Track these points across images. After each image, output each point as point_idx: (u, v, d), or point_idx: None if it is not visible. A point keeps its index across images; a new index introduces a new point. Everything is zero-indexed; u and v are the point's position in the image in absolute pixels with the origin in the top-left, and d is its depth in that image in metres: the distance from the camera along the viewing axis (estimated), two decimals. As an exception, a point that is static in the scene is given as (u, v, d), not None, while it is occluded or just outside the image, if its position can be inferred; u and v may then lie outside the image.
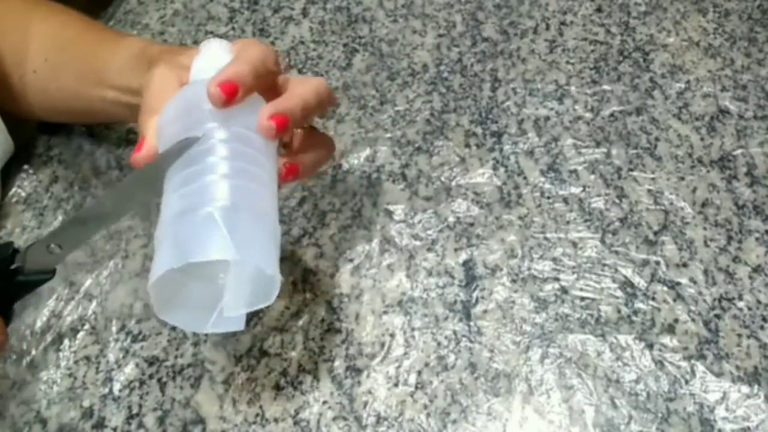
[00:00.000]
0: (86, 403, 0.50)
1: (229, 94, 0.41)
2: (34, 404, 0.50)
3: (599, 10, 0.73)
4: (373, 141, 0.63)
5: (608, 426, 0.48)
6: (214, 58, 0.45)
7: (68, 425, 0.49)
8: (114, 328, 0.53)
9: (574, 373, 0.50)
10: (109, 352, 0.52)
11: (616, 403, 0.49)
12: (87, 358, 0.52)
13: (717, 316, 0.53)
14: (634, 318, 0.53)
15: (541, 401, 0.49)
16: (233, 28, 0.72)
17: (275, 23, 0.72)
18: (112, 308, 0.54)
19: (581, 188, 0.60)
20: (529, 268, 0.55)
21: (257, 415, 0.49)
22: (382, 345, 0.52)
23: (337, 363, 0.51)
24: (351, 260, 0.56)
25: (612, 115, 0.65)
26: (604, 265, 0.56)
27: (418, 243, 0.57)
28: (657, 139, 0.63)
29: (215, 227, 0.38)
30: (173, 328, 0.53)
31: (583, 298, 0.54)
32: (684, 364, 0.51)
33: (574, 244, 0.57)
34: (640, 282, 0.55)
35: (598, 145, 0.63)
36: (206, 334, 0.53)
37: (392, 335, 0.52)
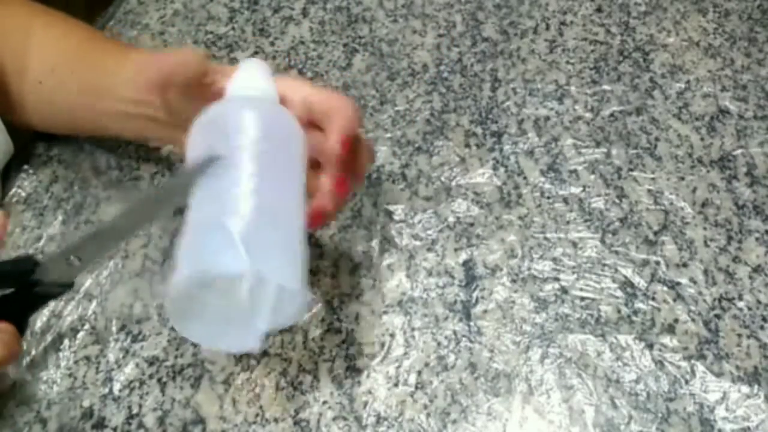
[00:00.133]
0: (86, 403, 0.50)
1: (346, 148, 0.45)
2: (34, 404, 0.50)
3: (599, 10, 0.73)
4: (373, 141, 0.63)
5: (608, 426, 0.48)
6: (252, 79, 0.45)
7: (68, 425, 0.49)
8: (114, 328, 0.53)
9: (574, 373, 0.50)
10: (109, 352, 0.52)
11: (616, 403, 0.49)
12: (87, 358, 0.52)
13: (717, 316, 0.53)
14: (634, 318, 0.53)
15: (541, 401, 0.49)
16: (233, 28, 0.72)
17: (275, 23, 0.72)
18: (112, 308, 0.54)
19: (581, 188, 0.60)
20: (529, 268, 0.55)
21: (257, 415, 0.49)
22: (382, 345, 0.52)
23: (337, 363, 0.51)
24: (351, 260, 0.56)
25: (612, 115, 0.65)
26: (604, 265, 0.56)
27: (418, 243, 0.57)
28: (657, 139, 0.63)
29: (229, 239, 0.38)
30: (173, 328, 0.53)
31: (583, 298, 0.54)
32: (684, 364, 0.51)
33: (574, 244, 0.57)
34: (640, 282, 0.55)
35: (598, 145, 0.63)
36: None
37: (392, 335, 0.52)
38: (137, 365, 0.52)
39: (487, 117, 0.65)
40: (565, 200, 0.59)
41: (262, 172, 0.41)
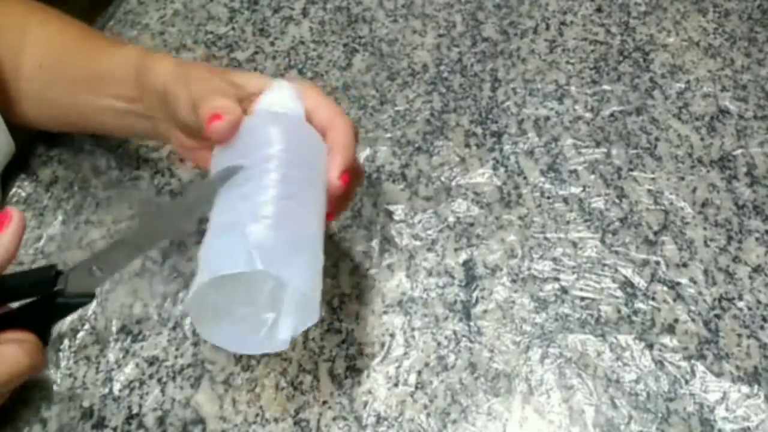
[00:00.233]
0: (86, 403, 0.50)
1: (346, 184, 0.45)
2: (34, 404, 0.50)
3: (599, 10, 0.73)
4: (373, 141, 0.63)
5: (608, 426, 0.48)
6: (281, 98, 0.46)
7: (68, 425, 0.49)
8: (114, 328, 0.53)
9: (574, 373, 0.50)
10: (109, 352, 0.52)
11: (616, 403, 0.49)
12: (87, 358, 0.52)
13: (717, 316, 0.53)
14: (634, 318, 0.53)
15: (541, 401, 0.49)
16: (233, 28, 0.72)
17: (275, 23, 0.72)
18: (112, 308, 0.54)
19: (581, 188, 0.60)
20: (529, 268, 0.55)
21: (257, 415, 0.49)
22: (382, 345, 0.52)
23: (337, 363, 0.51)
24: (351, 260, 0.56)
25: (612, 115, 0.65)
26: (604, 265, 0.56)
27: (418, 243, 0.57)
28: (657, 139, 0.63)
29: (243, 241, 0.39)
30: (173, 328, 0.53)
31: (583, 298, 0.54)
32: (684, 364, 0.51)
33: (574, 244, 0.57)
34: (640, 282, 0.55)
35: (598, 145, 0.63)
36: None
37: (392, 335, 0.52)
38: (137, 365, 0.52)
39: (487, 117, 0.65)
40: (565, 200, 0.59)
41: (284, 182, 0.41)
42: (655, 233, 0.57)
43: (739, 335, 0.52)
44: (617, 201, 0.59)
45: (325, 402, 0.50)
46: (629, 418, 0.49)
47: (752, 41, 0.70)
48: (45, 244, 0.57)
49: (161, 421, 0.49)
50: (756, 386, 0.50)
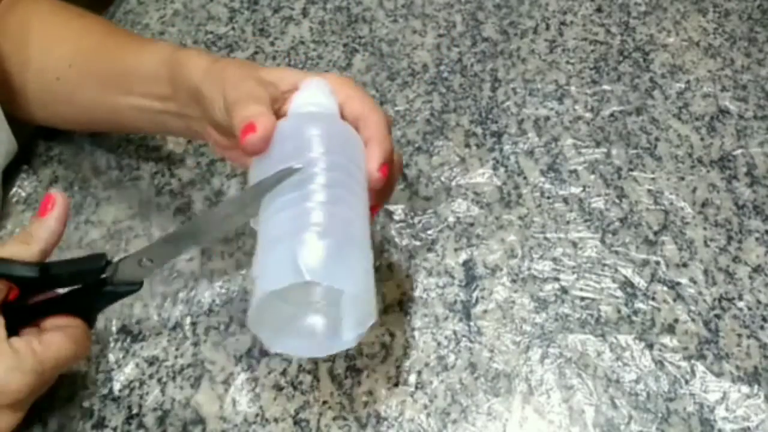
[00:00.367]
0: (86, 403, 0.50)
1: (386, 176, 0.44)
2: (35, 404, 0.50)
3: (599, 10, 0.73)
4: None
5: (608, 426, 0.48)
6: (315, 96, 0.45)
7: (68, 425, 0.49)
8: (114, 328, 0.53)
9: (574, 373, 0.50)
10: (109, 352, 0.52)
11: (616, 403, 0.49)
12: (87, 358, 0.52)
13: (717, 316, 0.53)
14: (634, 318, 0.53)
15: (541, 401, 0.49)
16: (233, 28, 0.72)
17: (275, 23, 0.72)
18: (112, 308, 0.54)
19: (581, 188, 0.60)
20: (529, 268, 0.55)
21: (257, 415, 0.49)
22: (382, 345, 0.52)
23: (337, 363, 0.51)
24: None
25: (612, 115, 0.65)
26: (604, 265, 0.56)
27: (418, 243, 0.57)
28: (657, 139, 0.63)
29: (328, 252, 0.39)
30: (173, 328, 0.53)
31: (583, 298, 0.54)
32: (684, 364, 0.51)
33: (574, 244, 0.57)
34: (640, 282, 0.55)
35: (598, 145, 0.63)
36: (206, 335, 0.53)
37: (392, 335, 0.52)
38: (137, 365, 0.52)
39: (487, 117, 0.65)
40: (565, 200, 0.59)
41: (330, 186, 0.41)
42: (655, 233, 0.57)
43: (739, 335, 0.52)
44: (617, 201, 0.59)
45: (325, 402, 0.50)
46: (629, 418, 0.49)
47: (752, 41, 0.70)
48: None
49: (161, 421, 0.49)
50: (756, 386, 0.50)
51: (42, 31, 0.57)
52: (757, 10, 0.72)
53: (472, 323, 0.53)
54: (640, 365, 0.51)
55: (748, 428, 0.48)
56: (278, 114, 0.46)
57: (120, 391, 0.51)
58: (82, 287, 0.45)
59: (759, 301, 0.54)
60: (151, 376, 0.51)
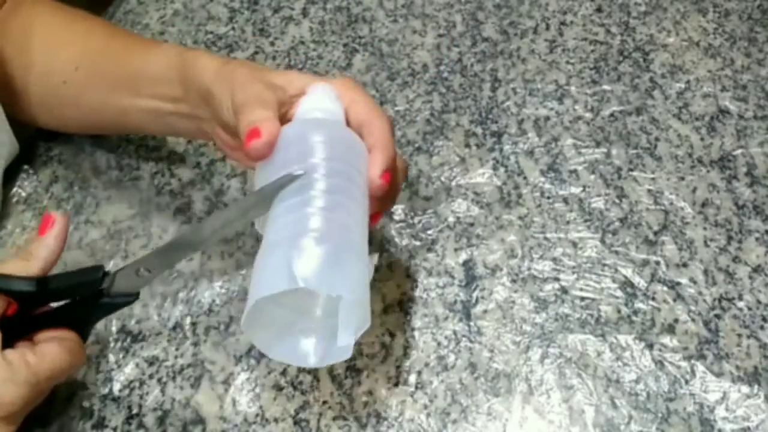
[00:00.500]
0: (86, 403, 0.50)
1: (389, 182, 0.44)
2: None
3: (599, 10, 0.73)
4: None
5: (608, 426, 0.48)
6: (321, 102, 0.46)
7: (68, 425, 0.49)
8: (114, 328, 0.53)
9: (574, 373, 0.50)
10: (109, 352, 0.52)
11: (616, 403, 0.49)
12: (87, 358, 0.52)
13: (717, 316, 0.53)
14: (634, 318, 0.53)
15: (541, 401, 0.49)
16: (233, 28, 0.72)
17: (275, 23, 0.72)
18: (112, 308, 0.54)
19: (581, 188, 0.60)
20: (529, 268, 0.55)
21: (257, 415, 0.49)
22: (382, 345, 0.52)
23: (337, 363, 0.51)
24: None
25: (612, 115, 0.65)
26: (604, 265, 0.56)
27: (418, 243, 0.57)
28: (657, 139, 0.63)
29: (324, 259, 0.39)
30: (173, 328, 0.53)
31: (583, 298, 0.54)
32: (684, 364, 0.51)
33: (574, 244, 0.57)
34: (640, 282, 0.55)
35: (598, 145, 0.63)
36: (206, 335, 0.53)
37: (392, 335, 0.52)
38: (137, 365, 0.52)
39: (487, 117, 0.65)
40: (565, 200, 0.59)
41: (329, 192, 0.41)
42: (655, 233, 0.57)
43: (739, 335, 0.52)
44: (617, 201, 0.59)
45: (325, 402, 0.50)
46: (629, 418, 0.49)
47: (752, 41, 0.70)
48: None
49: (161, 421, 0.49)
50: (756, 386, 0.50)
51: (45, 34, 0.57)
52: (757, 10, 0.72)
53: (472, 323, 0.53)
54: (640, 365, 0.51)
55: (748, 428, 0.48)
56: (285, 118, 0.46)
57: (120, 391, 0.51)
58: (79, 299, 0.45)
59: (759, 301, 0.54)
60: (151, 376, 0.51)
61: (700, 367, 0.51)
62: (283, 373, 0.51)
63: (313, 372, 0.51)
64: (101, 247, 0.57)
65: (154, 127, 0.55)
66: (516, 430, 0.48)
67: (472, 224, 0.58)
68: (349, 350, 0.41)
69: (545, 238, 0.57)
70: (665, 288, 0.54)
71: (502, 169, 0.61)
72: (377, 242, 0.57)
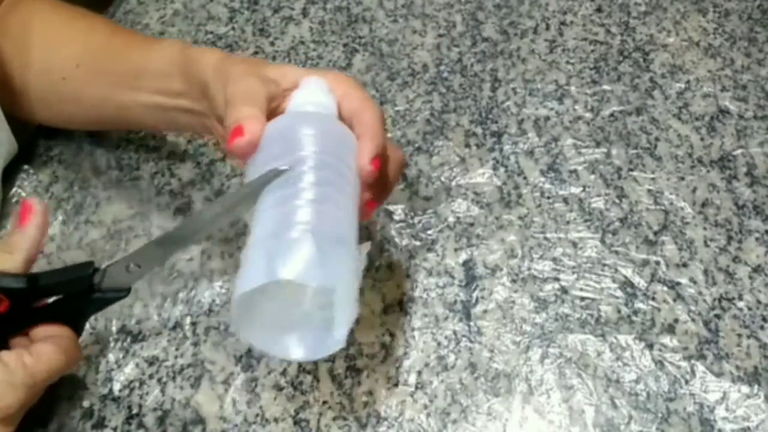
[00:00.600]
0: (86, 403, 0.50)
1: (378, 169, 0.43)
2: (35, 404, 0.50)
3: (599, 10, 0.73)
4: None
5: (608, 426, 0.48)
6: (313, 95, 0.46)
7: (68, 425, 0.49)
8: (114, 328, 0.53)
9: (574, 373, 0.50)
10: (109, 352, 0.52)
11: (616, 403, 0.49)
12: (87, 358, 0.52)
13: (717, 316, 0.53)
14: (634, 318, 0.53)
15: (541, 401, 0.49)
16: (233, 28, 0.72)
17: (275, 23, 0.72)
18: (112, 308, 0.54)
19: (581, 188, 0.60)
20: (529, 268, 0.55)
21: (257, 415, 0.49)
22: (382, 345, 0.52)
23: (337, 363, 0.51)
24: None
25: (612, 115, 0.65)
26: (604, 265, 0.56)
27: (418, 243, 0.57)
28: (657, 139, 0.63)
29: (309, 251, 0.38)
30: (173, 328, 0.53)
31: (583, 298, 0.54)
32: (684, 364, 0.51)
33: (574, 244, 0.57)
34: (640, 282, 0.55)
35: (598, 145, 0.63)
36: (206, 335, 0.53)
37: (392, 335, 0.52)
38: (137, 365, 0.52)
39: (487, 117, 0.65)
40: (565, 200, 0.59)
41: (318, 184, 0.41)
42: (655, 233, 0.57)
43: (739, 335, 0.52)
44: (617, 201, 0.59)
45: (325, 402, 0.50)
46: (629, 418, 0.49)
47: (752, 41, 0.70)
48: (45, 244, 0.57)
49: (161, 421, 0.49)
50: (756, 386, 0.50)
51: (45, 31, 0.57)
52: (757, 10, 0.72)
53: (472, 323, 0.53)
54: (640, 365, 0.51)
55: (748, 428, 0.48)
56: (278, 111, 0.46)
57: (120, 391, 0.51)
58: (70, 295, 0.45)
59: (759, 301, 0.54)
60: (151, 376, 0.51)
61: (700, 367, 0.51)
62: (283, 373, 0.51)
63: (313, 372, 0.51)
64: (101, 247, 0.57)
65: (156, 121, 0.55)
66: (516, 430, 0.48)
67: (472, 224, 0.58)
68: (341, 342, 0.40)
69: (545, 238, 0.57)
70: (665, 288, 0.54)
71: (502, 169, 0.61)
72: (377, 242, 0.57)
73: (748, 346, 0.52)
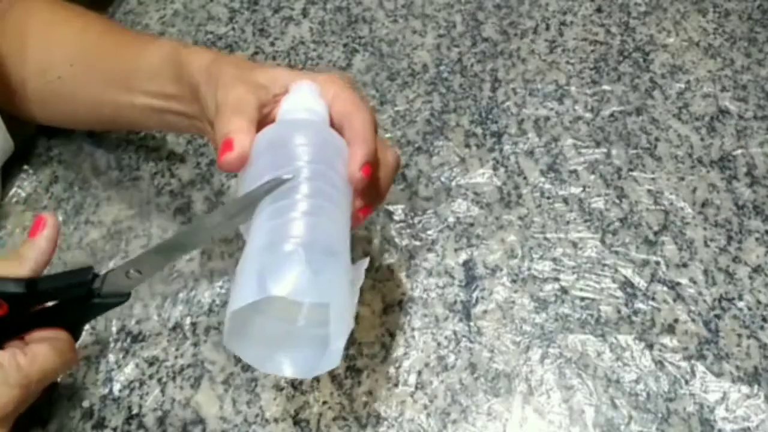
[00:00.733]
0: (86, 403, 0.50)
1: (369, 176, 0.43)
2: (35, 405, 0.50)
3: (599, 10, 0.73)
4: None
5: (608, 426, 0.48)
6: (303, 101, 0.45)
7: (68, 425, 0.49)
8: (114, 328, 0.53)
9: (574, 373, 0.50)
10: (109, 352, 0.52)
11: (616, 403, 0.49)
12: (87, 358, 0.52)
13: (717, 316, 0.53)
14: (634, 318, 0.53)
15: (541, 401, 0.49)
16: (233, 29, 0.72)
17: (275, 23, 0.72)
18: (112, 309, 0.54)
19: (581, 188, 0.60)
20: (529, 268, 0.55)
21: (257, 415, 0.49)
22: (382, 345, 0.52)
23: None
24: (351, 260, 0.56)
25: (612, 115, 0.65)
26: (604, 265, 0.56)
27: (418, 243, 0.57)
28: (657, 139, 0.63)
29: (301, 266, 0.38)
30: (173, 328, 0.53)
31: (583, 298, 0.54)
32: (684, 364, 0.51)
33: (574, 244, 0.57)
34: (640, 282, 0.55)
35: (598, 145, 0.63)
36: (206, 335, 0.53)
37: (392, 335, 0.52)
38: (137, 365, 0.52)
39: (487, 117, 0.65)
40: (565, 200, 0.59)
41: (312, 196, 0.41)
42: (655, 233, 0.57)
43: (739, 335, 0.52)
44: (617, 201, 0.59)
45: (325, 402, 0.50)
46: (629, 418, 0.49)
47: (752, 41, 0.70)
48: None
49: (161, 421, 0.49)
50: (756, 386, 0.50)
51: (42, 30, 0.57)
52: (757, 10, 0.72)
53: (472, 323, 0.53)
54: (640, 365, 0.51)
55: (748, 428, 0.48)
56: (269, 118, 0.45)
57: (120, 391, 0.51)
58: (70, 300, 0.45)
59: (759, 301, 0.54)
60: (151, 377, 0.51)
61: (700, 367, 0.51)
62: (283, 373, 0.51)
63: (313, 372, 0.51)
64: (101, 247, 0.57)
65: (150, 123, 0.54)
66: (516, 430, 0.48)
67: (472, 224, 0.58)
68: (336, 361, 0.40)
69: (545, 238, 0.57)
70: (665, 288, 0.54)
71: (502, 169, 0.61)
72: (377, 242, 0.57)
73: (748, 346, 0.52)
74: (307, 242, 0.39)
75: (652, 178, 0.60)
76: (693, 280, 0.55)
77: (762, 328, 0.53)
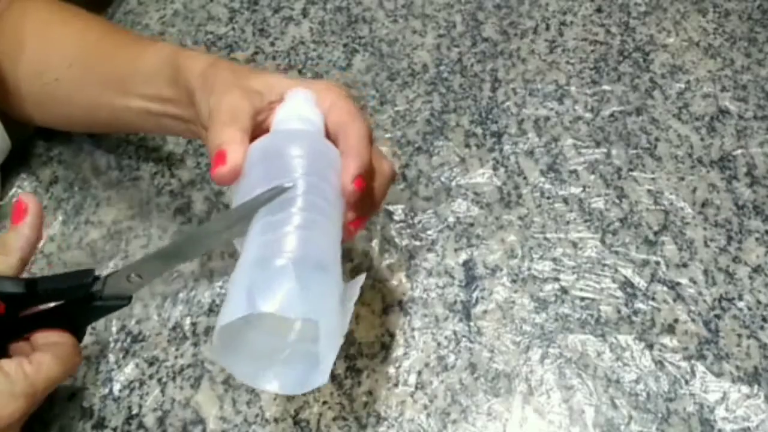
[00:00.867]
0: (86, 403, 0.50)
1: (361, 189, 0.42)
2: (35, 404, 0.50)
3: (599, 10, 0.73)
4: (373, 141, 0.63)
5: (608, 426, 0.48)
6: (298, 109, 0.45)
7: (68, 425, 0.49)
8: (114, 328, 0.53)
9: (574, 373, 0.50)
10: (109, 352, 0.52)
11: (616, 403, 0.49)
12: (87, 358, 0.52)
13: (717, 316, 0.53)
14: (634, 318, 0.53)
15: (541, 401, 0.49)
16: (233, 29, 0.72)
17: (275, 23, 0.72)
18: (112, 308, 0.54)
19: (581, 188, 0.60)
20: (529, 268, 0.55)
21: (257, 415, 0.49)
22: (382, 345, 0.52)
23: (337, 363, 0.51)
24: (351, 260, 0.56)
25: (612, 115, 0.65)
26: (604, 265, 0.56)
27: (418, 243, 0.57)
28: (657, 139, 0.63)
29: (290, 282, 0.37)
30: (173, 328, 0.53)
31: (583, 298, 0.54)
32: (684, 364, 0.51)
33: (574, 244, 0.57)
34: (640, 282, 0.55)
35: (598, 145, 0.63)
36: (206, 335, 0.53)
37: (392, 335, 0.52)
38: (137, 365, 0.52)
39: (487, 117, 0.65)
40: (565, 200, 0.59)
41: (305, 209, 0.40)
42: (655, 233, 0.57)
43: (739, 335, 0.52)
44: (617, 201, 0.59)
45: (325, 402, 0.50)
46: (629, 418, 0.49)
47: (752, 41, 0.70)
48: (45, 244, 0.57)
49: (161, 421, 0.49)
50: (756, 386, 0.50)
51: (39, 32, 0.56)
52: (757, 10, 0.72)
53: (472, 323, 0.53)
54: (640, 365, 0.51)
55: (748, 428, 0.48)
56: (264, 126, 0.45)
57: (120, 391, 0.51)
58: (71, 302, 0.45)
59: (759, 301, 0.54)
60: (151, 377, 0.51)
61: (700, 367, 0.51)
62: (283, 373, 0.51)
63: (313, 372, 0.51)
64: (101, 248, 0.57)
65: (147, 126, 0.54)
66: (516, 430, 0.48)
67: (472, 224, 0.58)
68: (324, 379, 0.39)
69: (545, 238, 0.57)
70: (665, 288, 0.54)
71: (502, 170, 0.61)
72: (377, 243, 0.57)
73: (748, 346, 0.52)
74: (298, 257, 0.38)
75: (652, 178, 0.60)
76: (693, 280, 0.55)
77: (762, 328, 0.53)
